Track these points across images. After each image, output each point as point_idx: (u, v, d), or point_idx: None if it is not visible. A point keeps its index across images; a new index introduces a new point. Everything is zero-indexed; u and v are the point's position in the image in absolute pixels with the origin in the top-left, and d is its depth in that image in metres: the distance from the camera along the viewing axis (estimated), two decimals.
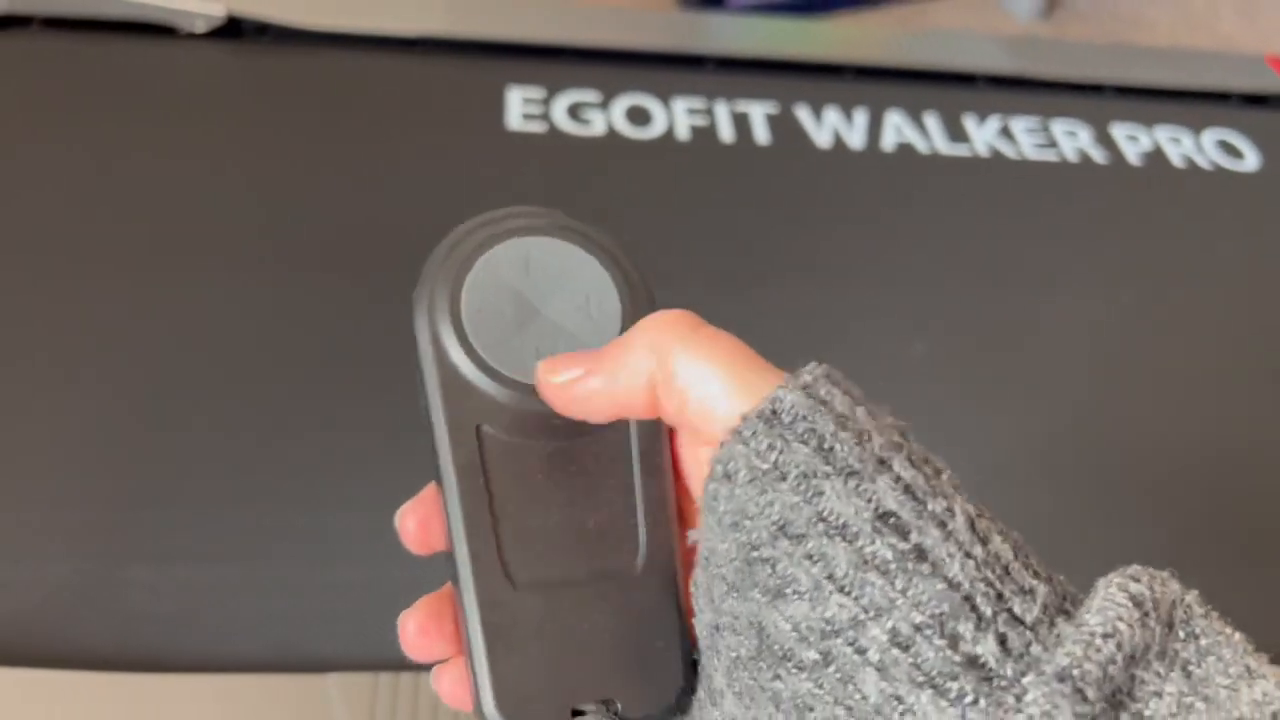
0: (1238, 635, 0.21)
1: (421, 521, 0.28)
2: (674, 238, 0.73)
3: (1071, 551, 0.57)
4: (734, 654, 0.23)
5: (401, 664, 0.47)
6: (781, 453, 0.22)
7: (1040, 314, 0.72)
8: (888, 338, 0.68)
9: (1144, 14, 1.52)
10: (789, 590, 0.22)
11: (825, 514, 0.21)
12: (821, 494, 0.21)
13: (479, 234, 0.28)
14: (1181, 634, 0.21)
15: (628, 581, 0.27)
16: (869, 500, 0.21)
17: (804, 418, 0.22)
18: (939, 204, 0.80)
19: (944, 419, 0.64)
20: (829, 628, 0.21)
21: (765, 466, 0.22)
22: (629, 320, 0.28)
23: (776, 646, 0.22)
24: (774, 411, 0.22)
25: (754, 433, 0.22)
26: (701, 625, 0.25)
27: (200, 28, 0.81)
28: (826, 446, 0.22)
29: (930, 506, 0.21)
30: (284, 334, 0.62)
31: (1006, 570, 0.21)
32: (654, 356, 0.25)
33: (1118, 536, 0.59)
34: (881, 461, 0.22)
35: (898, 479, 0.21)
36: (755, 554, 0.22)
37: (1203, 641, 0.20)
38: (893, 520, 0.21)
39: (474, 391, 0.27)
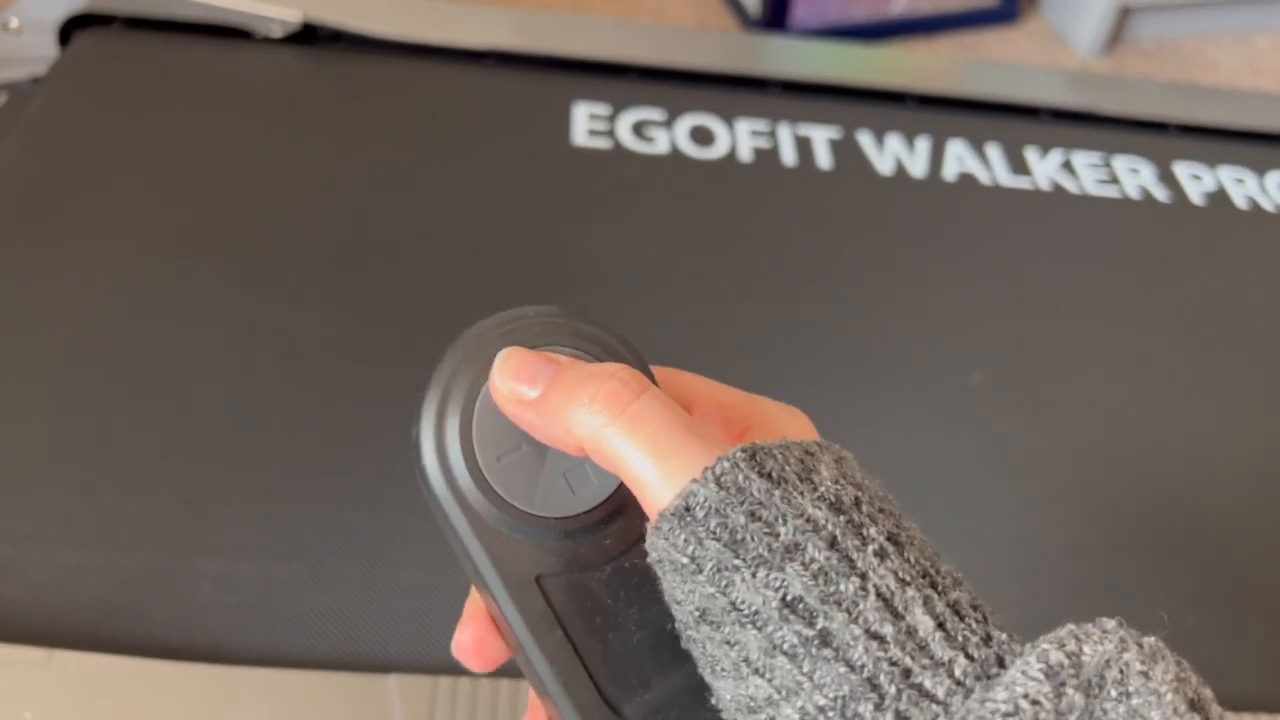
0: (1169, 694, 0.20)
1: (478, 642, 0.27)
2: (735, 257, 0.73)
3: (1125, 584, 0.56)
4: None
5: (461, 667, 0.48)
6: (696, 548, 0.23)
7: (1097, 348, 0.72)
8: (945, 366, 0.68)
9: (1207, 53, 1.51)
10: (717, 667, 0.23)
11: (737, 603, 0.22)
12: (733, 585, 0.22)
13: (470, 365, 0.27)
14: (1114, 693, 0.20)
15: None
16: (776, 589, 0.22)
17: (716, 511, 0.23)
18: (999, 235, 0.80)
19: (999, 449, 0.64)
20: (752, 703, 0.22)
21: (684, 560, 0.23)
22: None
23: (723, 713, 0.24)
24: (687, 508, 0.23)
25: (671, 528, 0.23)
26: None
27: (276, 33, 0.83)
28: (738, 539, 0.22)
29: (842, 588, 0.22)
30: (354, 336, 0.63)
31: (923, 645, 0.21)
32: (588, 425, 0.24)
33: (1174, 569, 0.58)
34: (792, 548, 0.22)
35: (808, 563, 0.22)
36: (688, 632, 0.24)
37: (1134, 701, 0.20)
38: (800, 606, 0.22)
39: (523, 547, 0.26)
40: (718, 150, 0.82)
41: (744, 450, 0.23)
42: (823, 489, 0.23)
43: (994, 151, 0.87)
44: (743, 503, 0.23)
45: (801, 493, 0.23)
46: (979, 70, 0.97)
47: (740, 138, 0.84)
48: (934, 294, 0.74)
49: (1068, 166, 0.87)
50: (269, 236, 0.69)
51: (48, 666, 0.44)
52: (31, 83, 0.81)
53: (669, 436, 0.24)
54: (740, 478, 0.23)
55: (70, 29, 0.83)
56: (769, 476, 0.23)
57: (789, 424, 0.28)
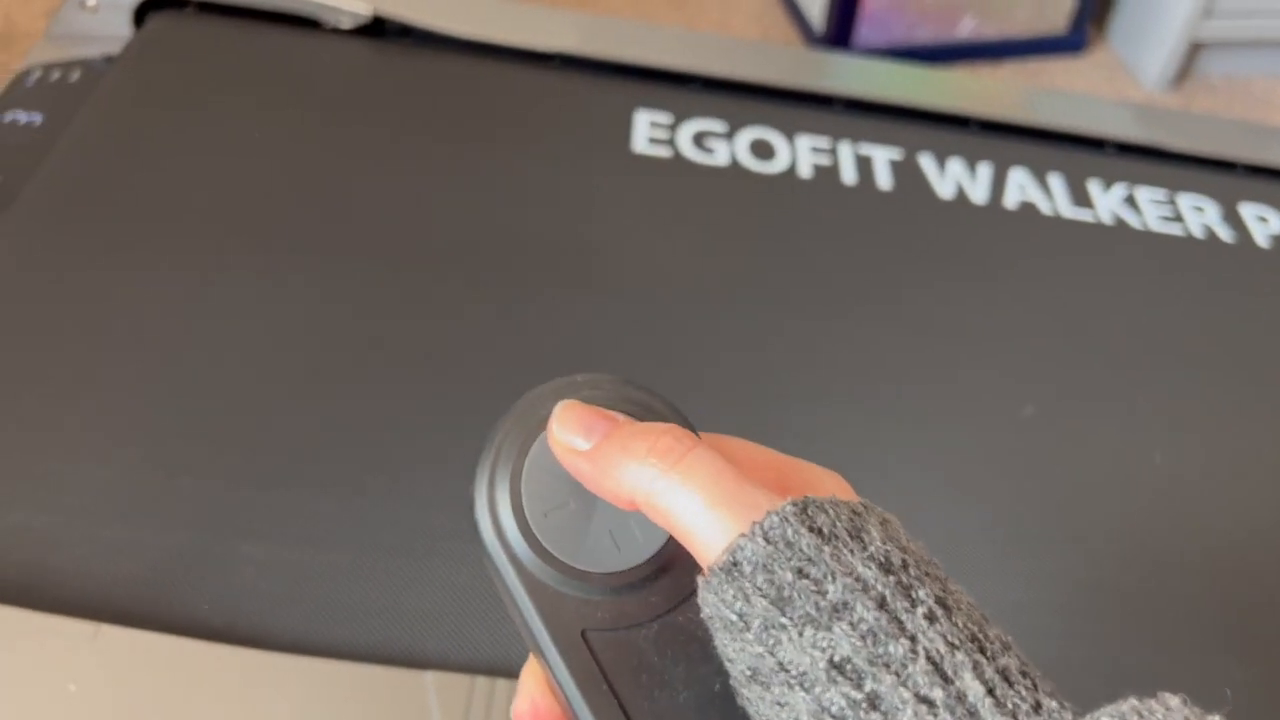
0: None
1: (534, 707, 0.28)
2: (790, 272, 0.73)
3: (1173, 633, 0.55)
4: None
5: (498, 668, 0.48)
6: (743, 605, 0.23)
7: (1153, 388, 0.71)
8: (998, 397, 0.67)
9: (1276, 93, 1.48)
10: None
11: (785, 663, 0.22)
12: (780, 644, 0.22)
13: (522, 423, 0.28)
14: None
15: None
16: (824, 649, 0.22)
17: (764, 567, 0.23)
18: (1058, 267, 0.79)
19: (1048, 485, 0.63)
20: None
21: (732, 617, 0.23)
22: None
23: None
24: (735, 563, 0.23)
25: (719, 584, 0.23)
26: None
27: (346, 24, 0.83)
28: (785, 596, 0.22)
29: (891, 650, 0.22)
30: (405, 331, 0.63)
31: (972, 711, 0.21)
32: (640, 478, 0.25)
33: (1222, 619, 0.57)
34: (841, 607, 0.22)
35: (856, 624, 0.22)
36: (741, 691, 0.24)
37: None
38: (848, 667, 0.22)
39: (570, 601, 0.27)
40: (778, 165, 0.82)
41: (794, 504, 0.23)
42: (872, 548, 0.23)
43: (1056, 182, 0.86)
44: (791, 559, 0.23)
45: (851, 550, 0.23)
46: (1044, 99, 0.96)
47: (801, 153, 0.83)
48: (989, 322, 0.73)
49: (1131, 201, 0.85)
50: (326, 227, 0.69)
51: (94, 640, 0.44)
52: (104, 61, 0.82)
53: (720, 490, 0.24)
54: (789, 532, 0.23)
55: (144, 10, 0.84)
56: (819, 532, 0.23)
57: (831, 488, 0.28)
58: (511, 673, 0.46)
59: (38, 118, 0.75)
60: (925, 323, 0.72)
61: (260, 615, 0.48)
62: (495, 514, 0.27)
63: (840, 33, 1.25)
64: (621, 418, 0.27)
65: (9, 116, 0.75)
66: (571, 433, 0.27)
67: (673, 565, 0.27)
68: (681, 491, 0.24)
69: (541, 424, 0.28)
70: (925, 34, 1.31)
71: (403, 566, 0.51)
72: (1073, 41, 1.33)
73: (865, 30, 1.26)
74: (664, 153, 0.80)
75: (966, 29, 1.31)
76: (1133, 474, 0.65)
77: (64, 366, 0.57)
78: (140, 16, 0.84)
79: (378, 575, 0.50)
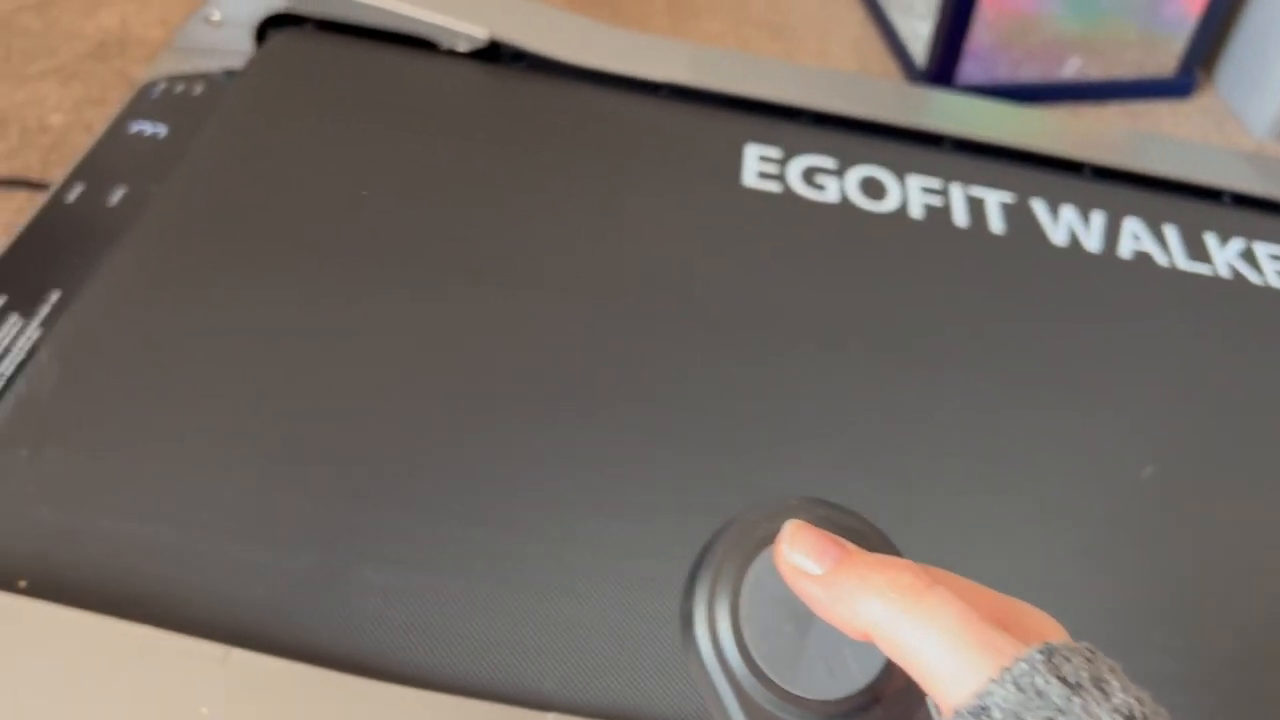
0: None
1: None
2: (899, 314, 0.72)
3: None
4: None
5: (619, 714, 0.47)
6: None
7: (1271, 449, 0.69)
8: (1115, 456, 0.66)
9: None
10: None
11: None
12: None
13: (740, 543, 0.29)
14: None
15: None
16: None
17: (1014, 715, 0.23)
18: (1176, 320, 0.77)
19: (1173, 552, 0.61)
20: None
21: None
22: None
23: None
24: (984, 708, 0.23)
25: None
26: None
27: (462, 47, 0.84)
28: None
29: None
30: (519, 357, 0.63)
31: None
32: (880, 612, 0.25)
33: None
34: None
35: None
36: None
37: None
38: None
39: None
40: (889, 204, 0.81)
41: (1041, 652, 0.23)
42: (1115, 699, 0.23)
43: (1172, 233, 0.84)
44: (1042, 708, 0.23)
45: (1098, 701, 0.23)
46: (1158, 145, 0.94)
47: (911, 193, 0.82)
48: (1103, 375, 0.71)
49: (1248, 256, 0.83)
50: (439, 249, 0.69)
51: (224, 663, 0.44)
52: (225, 75, 0.84)
53: (964, 631, 0.24)
54: (1039, 681, 0.23)
55: (265, 27, 0.85)
56: (1066, 682, 0.23)
57: (1046, 628, 0.28)
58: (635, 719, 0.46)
59: (162, 129, 0.76)
60: (1039, 374, 0.70)
61: (382, 645, 0.48)
62: (715, 633, 0.28)
63: (943, 68, 1.24)
64: (851, 545, 0.28)
65: (135, 127, 0.77)
66: (804, 556, 0.27)
67: (885, 696, 0.28)
68: (924, 630, 0.25)
69: (759, 544, 0.29)
70: (1030, 72, 1.29)
71: (523, 600, 0.50)
72: (1180, 85, 1.31)
73: (969, 66, 1.25)
74: (774, 188, 0.80)
75: (1072, 68, 1.29)
76: (1249, 540, 0.63)
77: (193, 381, 0.58)
78: (261, 33, 0.85)
79: (498, 608, 0.50)
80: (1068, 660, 0.24)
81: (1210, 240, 0.84)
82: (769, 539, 0.29)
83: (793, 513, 0.30)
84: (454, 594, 0.50)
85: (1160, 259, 0.81)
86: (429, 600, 0.50)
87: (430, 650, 0.48)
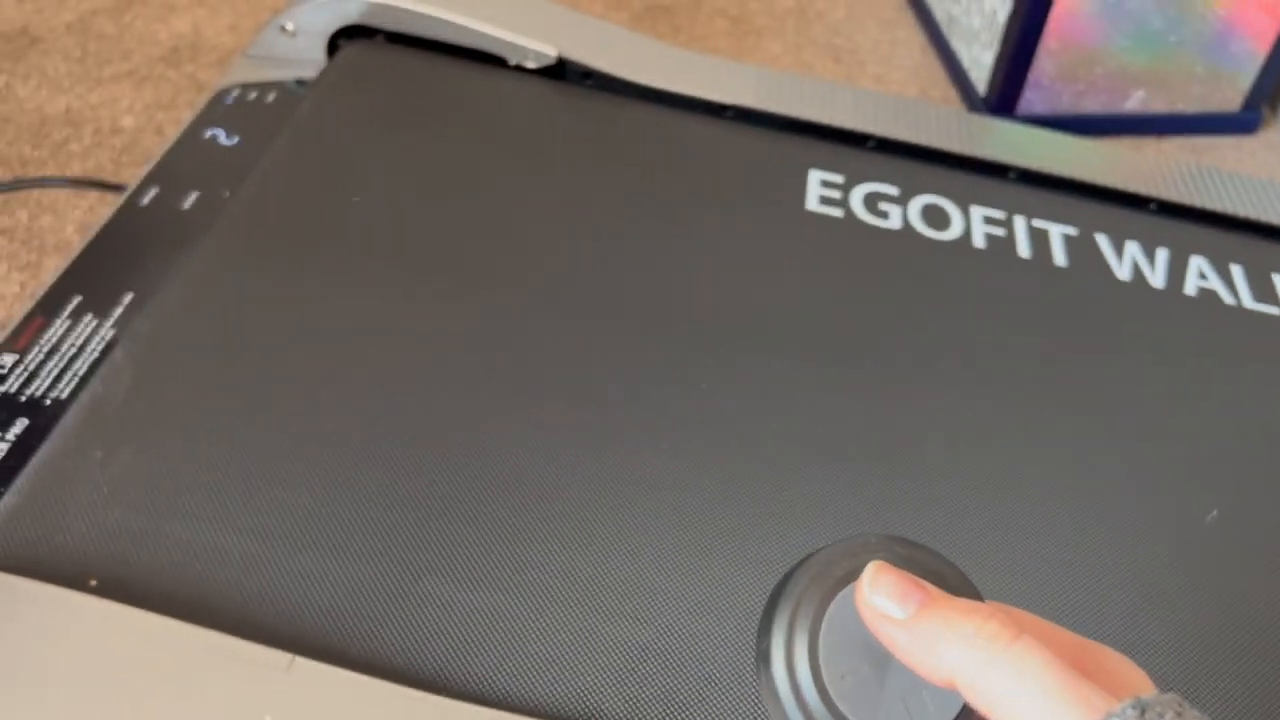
0: None
1: None
2: (961, 344, 0.71)
3: None
4: None
5: None
6: None
7: None
8: (1178, 498, 0.65)
9: None
10: None
11: None
12: None
13: (819, 581, 0.29)
14: None
15: None
16: None
17: None
18: (1243, 362, 0.75)
19: (1238, 600, 0.60)
20: None
21: None
22: None
23: None
24: None
25: None
26: None
27: (530, 63, 0.85)
28: None
29: None
30: (579, 377, 0.63)
31: None
32: (967, 659, 0.25)
33: None
34: None
35: None
36: None
37: None
38: None
39: None
40: (951, 232, 0.80)
41: (1134, 707, 0.23)
42: None
43: (1238, 272, 0.82)
44: None
45: None
46: (1226, 182, 0.93)
47: (974, 223, 0.82)
48: (1167, 415, 0.70)
49: None
50: (506, 263, 0.70)
51: (289, 671, 0.45)
52: (296, 84, 0.85)
53: (1052, 682, 0.24)
54: None
55: (337, 38, 0.87)
56: None
57: (1131, 676, 0.28)
58: None
59: (235, 136, 0.78)
60: (1102, 407, 0.69)
61: (442, 659, 0.48)
62: (793, 673, 0.28)
63: (1005, 97, 1.23)
64: (933, 588, 0.28)
65: (209, 133, 0.78)
66: (886, 598, 0.27)
67: None
68: (1011, 680, 0.24)
69: (838, 583, 0.29)
70: (1092, 104, 1.28)
71: (583, 620, 0.50)
72: (1246, 121, 1.29)
73: (1030, 96, 1.24)
74: (836, 213, 0.80)
75: (1135, 101, 1.28)
76: None
77: (265, 387, 0.58)
78: (333, 44, 0.86)
79: (557, 627, 0.50)
80: (1160, 716, 0.23)
81: (1278, 280, 0.83)
82: (849, 577, 0.29)
83: (872, 551, 0.29)
84: (514, 611, 0.50)
85: (1226, 298, 0.80)
86: (488, 616, 0.50)
87: (490, 667, 0.48)
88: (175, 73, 1.13)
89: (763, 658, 0.29)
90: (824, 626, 0.28)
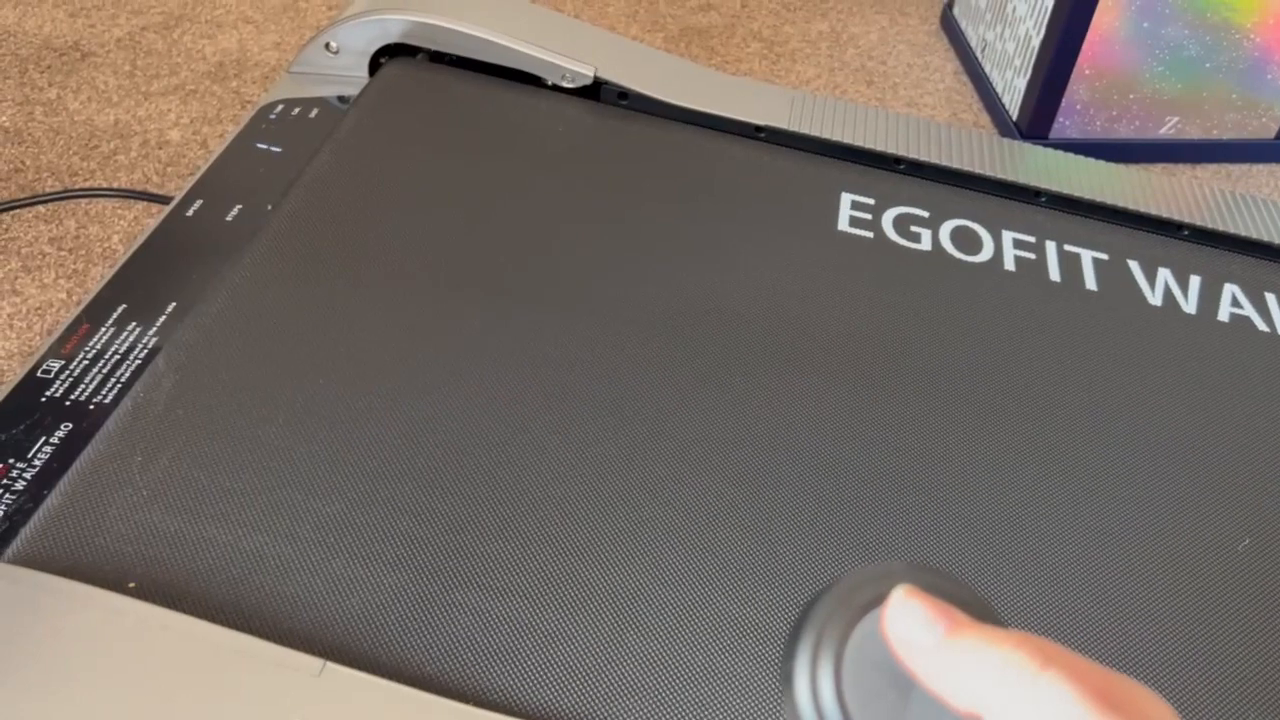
0: None
1: None
2: (989, 365, 0.72)
3: None
4: None
5: None
6: None
7: None
8: (1210, 526, 0.64)
9: None
10: None
11: None
12: None
13: (844, 606, 0.30)
14: None
15: None
16: None
17: None
18: (1275, 388, 0.75)
19: (1268, 623, 0.59)
20: None
21: None
22: None
23: None
24: None
25: None
26: None
27: (568, 83, 0.86)
28: None
29: None
30: (610, 393, 0.64)
31: None
32: (992, 688, 0.25)
33: None
34: None
35: None
36: None
37: None
38: None
39: None
40: (982, 255, 0.80)
41: None
42: None
43: (1273, 300, 0.82)
44: None
45: None
46: (1261, 210, 0.93)
47: (1005, 245, 0.82)
48: (1202, 441, 0.70)
49: None
50: (541, 279, 0.71)
51: (320, 676, 0.46)
52: (337, 99, 0.87)
53: (1080, 713, 0.24)
54: None
55: (379, 56, 0.88)
56: None
57: (1159, 712, 0.27)
58: None
59: (278, 150, 0.79)
60: (1134, 436, 0.69)
61: (470, 669, 0.49)
62: (818, 698, 0.28)
63: (1037, 123, 1.23)
64: (961, 615, 0.27)
65: (254, 146, 0.80)
66: (913, 625, 0.27)
67: None
68: (1039, 713, 0.24)
69: (864, 607, 0.29)
70: (1126, 130, 1.27)
71: (607, 632, 0.51)
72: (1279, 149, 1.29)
73: (1064, 121, 1.24)
74: (867, 233, 0.80)
75: (1170, 128, 1.27)
76: None
77: (302, 396, 0.59)
78: (375, 62, 0.88)
79: (581, 639, 0.51)
80: None
81: None
82: (874, 602, 0.29)
83: (899, 577, 0.30)
84: (543, 622, 0.51)
85: (1260, 324, 0.80)
86: (517, 627, 0.51)
87: (520, 678, 0.49)
88: (221, 88, 1.15)
89: (787, 679, 0.29)
90: (849, 651, 0.29)
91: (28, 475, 0.57)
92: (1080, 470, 0.66)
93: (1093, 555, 0.61)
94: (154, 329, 0.66)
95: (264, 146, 0.80)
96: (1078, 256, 0.83)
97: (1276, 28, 1.21)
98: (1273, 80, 1.25)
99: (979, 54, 1.40)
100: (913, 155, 0.88)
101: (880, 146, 0.88)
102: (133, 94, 1.13)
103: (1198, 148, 1.28)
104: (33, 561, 0.50)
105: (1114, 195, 0.89)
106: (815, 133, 0.87)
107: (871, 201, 0.83)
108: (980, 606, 0.29)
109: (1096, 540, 0.62)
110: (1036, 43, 1.24)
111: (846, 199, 0.83)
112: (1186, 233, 0.87)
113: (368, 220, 0.72)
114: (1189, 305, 0.80)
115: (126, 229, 0.96)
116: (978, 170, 0.88)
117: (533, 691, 0.49)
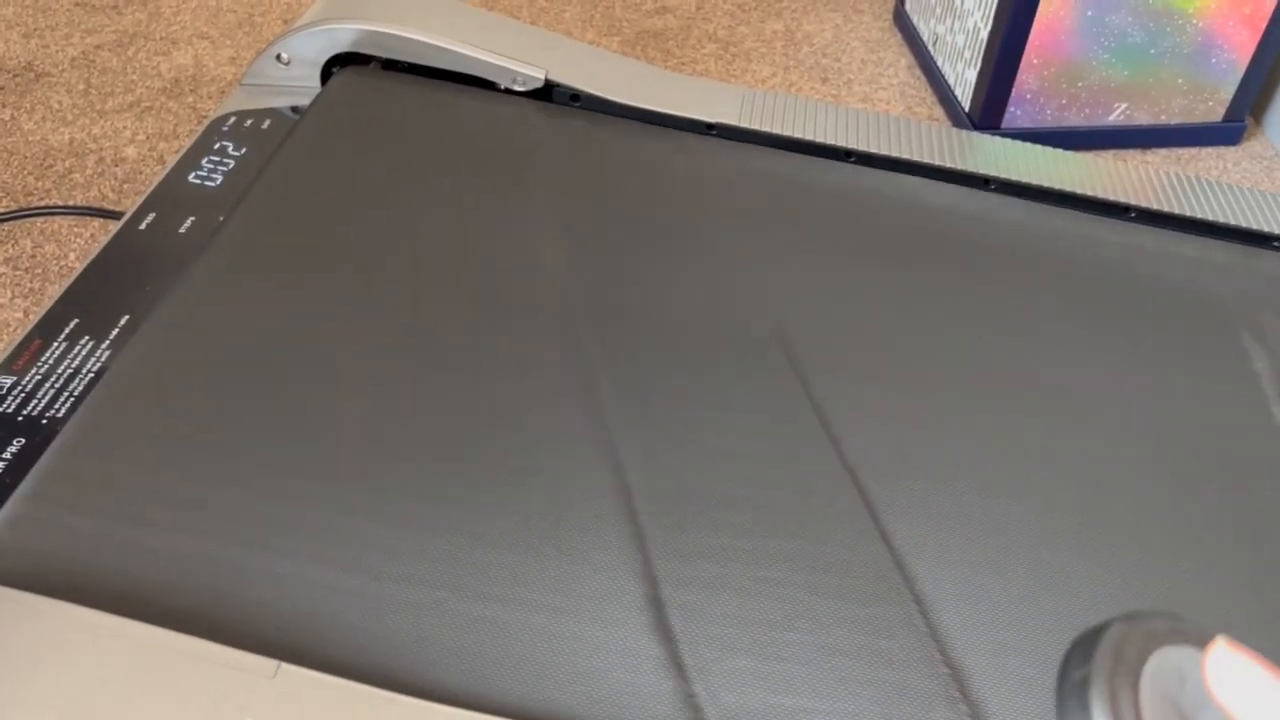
0: None
1: None
2: (947, 351, 0.73)
3: None
4: None
5: None
6: None
7: None
8: (1238, 541, 0.65)
9: None
10: None
11: None
12: None
13: (1123, 664, 0.30)
14: None
15: None
16: None
17: None
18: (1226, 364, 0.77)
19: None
20: None
21: None
22: None
23: None
24: None
25: None
26: None
27: (519, 87, 0.87)
28: None
29: None
30: (568, 394, 0.64)
31: None
32: None
33: None
34: None
35: None
36: None
37: None
38: None
39: None
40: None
41: None
42: None
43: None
44: None
45: None
46: (1208, 190, 0.94)
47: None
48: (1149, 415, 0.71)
49: None
50: (499, 282, 0.71)
51: (274, 677, 0.46)
52: (290, 110, 0.87)
53: None
54: None
55: (330, 66, 0.89)
56: None
57: None
58: None
59: (231, 162, 0.80)
60: (1088, 417, 0.70)
61: (425, 664, 0.49)
62: (1118, 714, 0.29)
63: (989, 114, 1.25)
64: None
65: (205, 159, 0.80)
66: (1246, 673, 0.27)
67: None
68: None
69: (1159, 639, 0.30)
70: (1076, 118, 1.29)
71: (593, 632, 0.52)
72: (1228, 132, 1.31)
73: (1015, 110, 1.26)
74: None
75: (1119, 114, 1.29)
76: None
77: (256, 402, 0.60)
78: (327, 72, 0.88)
79: (567, 638, 0.51)
80: None
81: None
82: (1166, 638, 0.30)
83: (1161, 639, 0.30)
84: (520, 622, 0.52)
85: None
86: (469, 623, 0.51)
87: (493, 675, 0.50)
88: (177, 104, 1.15)
89: (1078, 688, 0.30)
90: (1144, 678, 0.29)
91: None
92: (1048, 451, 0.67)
93: (1120, 571, 0.62)
94: (107, 342, 0.66)
95: (216, 159, 0.80)
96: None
97: (1219, 13, 1.23)
98: (1218, 64, 1.27)
99: (931, 48, 1.42)
100: (863, 148, 0.89)
101: (831, 140, 0.89)
102: (88, 112, 1.13)
103: (1147, 133, 1.31)
104: None
105: (1060, 180, 0.90)
106: (766, 128, 0.88)
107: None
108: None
109: (1128, 553, 0.62)
110: (985, 34, 1.25)
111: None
112: (1133, 215, 0.89)
113: (319, 226, 0.72)
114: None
115: (83, 246, 0.96)
116: (926, 160, 0.89)
117: (505, 686, 0.49)
